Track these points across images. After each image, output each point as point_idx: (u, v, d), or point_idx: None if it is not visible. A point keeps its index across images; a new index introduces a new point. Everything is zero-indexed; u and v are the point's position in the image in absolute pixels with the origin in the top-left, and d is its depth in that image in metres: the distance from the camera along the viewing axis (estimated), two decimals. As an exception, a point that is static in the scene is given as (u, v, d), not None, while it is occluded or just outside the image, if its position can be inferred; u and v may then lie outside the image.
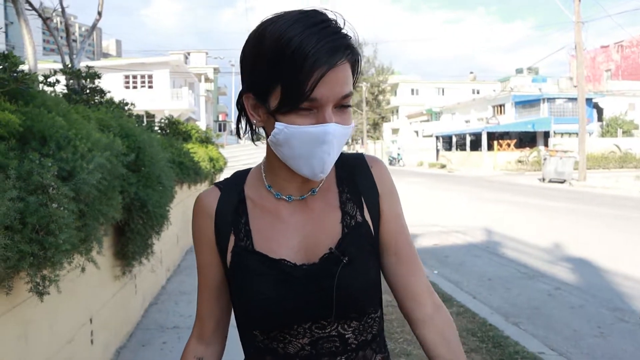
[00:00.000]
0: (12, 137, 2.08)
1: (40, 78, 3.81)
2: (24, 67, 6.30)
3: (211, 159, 9.20)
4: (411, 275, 1.09)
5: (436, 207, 13.40)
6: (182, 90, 35.31)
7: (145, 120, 7.05)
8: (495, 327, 4.27)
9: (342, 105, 0.92)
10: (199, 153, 7.96)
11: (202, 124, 39.99)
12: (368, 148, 57.62)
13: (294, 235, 1.02)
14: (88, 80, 5.30)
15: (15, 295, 2.14)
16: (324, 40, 0.86)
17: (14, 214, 1.78)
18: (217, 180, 1.03)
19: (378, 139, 60.81)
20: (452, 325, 1.10)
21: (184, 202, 6.71)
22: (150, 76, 34.65)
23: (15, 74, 2.35)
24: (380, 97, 62.99)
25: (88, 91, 5.23)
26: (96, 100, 5.23)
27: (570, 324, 4.55)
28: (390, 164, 43.66)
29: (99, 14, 8.65)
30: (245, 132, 1.04)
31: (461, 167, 34.00)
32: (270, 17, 0.92)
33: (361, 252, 1.01)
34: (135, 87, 34.49)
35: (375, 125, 63.39)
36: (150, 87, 34.62)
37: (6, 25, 29.43)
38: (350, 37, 0.92)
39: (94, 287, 3.28)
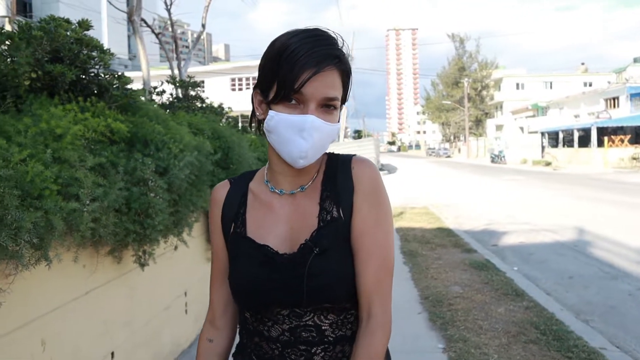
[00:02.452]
0: (122, 141, 2.68)
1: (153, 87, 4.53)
2: (139, 76, 7.22)
3: (302, 157, 9.78)
4: (361, 274, 1.08)
5: (530, 205, 13.04)
6: (283, 90, 36.62)
7: (240, 122, 7.74)
8: (561, 322, 4.32)
9: (327, 106, 1.05)
10: (290, 152, 8.54)
11: (302, 123, 41.29)
12: (470, 145, 56.11)
13: (282, 225, 1.13)
14: (190, 88, 6.04)
15: (123, 265, 2.76)
16: (316, 48, 1.02)
17: (121, 200, 2.35)
18: None
19: (481, 135, 59.00)
20: (373, 342, 1.07)
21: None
22: (254, 78, 36.12)
23: (126, 91, 2.96)
24: (484, 93, 61.01)
25: (190, 98, 5.95)
26: (197, 106, 5.95)
27: (645, 324, 4.50)
28: (493, 161, 42.14)
29: (203, 26, 9.57)
30: (258, 128, 1.16)
31: (568, 165, 32.13)
32: (283, 33, 1.10)
33: (335, 245, 1.08)
34: (240, 89, 36.32)
35: (478, 122, 61.54)
36: (254, 88, 36.28)
37: (128, 36, 32.67)
38: (342, 51, 1.08)
39: (188, 266, 3.91)
